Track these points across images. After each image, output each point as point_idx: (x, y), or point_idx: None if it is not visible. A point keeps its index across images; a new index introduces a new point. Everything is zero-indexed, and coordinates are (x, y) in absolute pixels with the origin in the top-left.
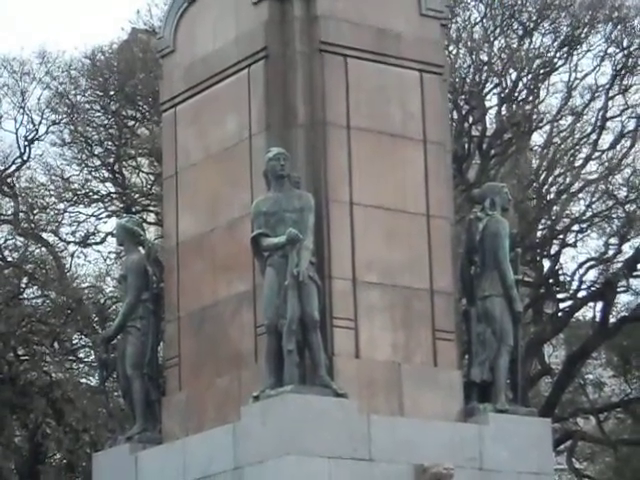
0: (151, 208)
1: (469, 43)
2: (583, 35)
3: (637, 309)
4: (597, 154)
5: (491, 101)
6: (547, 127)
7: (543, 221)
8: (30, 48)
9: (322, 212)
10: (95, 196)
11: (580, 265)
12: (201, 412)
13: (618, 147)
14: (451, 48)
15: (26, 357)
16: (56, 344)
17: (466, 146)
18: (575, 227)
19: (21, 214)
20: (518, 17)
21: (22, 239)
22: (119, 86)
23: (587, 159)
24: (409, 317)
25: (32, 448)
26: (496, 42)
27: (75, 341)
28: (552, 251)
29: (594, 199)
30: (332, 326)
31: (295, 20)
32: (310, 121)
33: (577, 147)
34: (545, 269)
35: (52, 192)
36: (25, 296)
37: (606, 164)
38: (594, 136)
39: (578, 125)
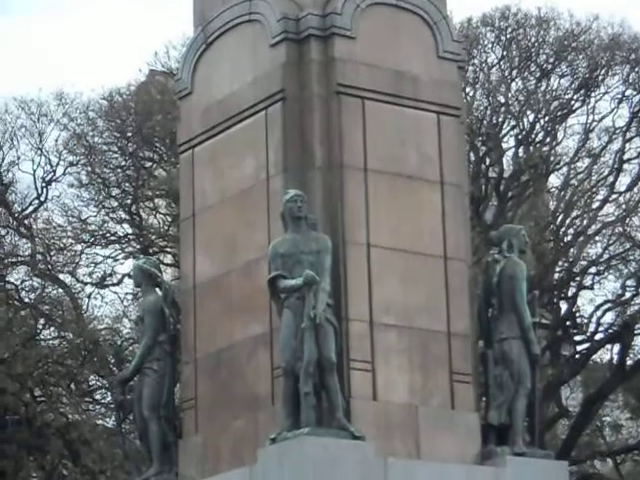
0: (168, 249)
1: (486, 85)
2: (601, 77)
3: None
4: (614, 196)
5: (508, 143)
6: (564, 169)
7: (560, 263)
8: (48, 90)
9: (339, 254)
10: (112, 237)
11: (597, 307)
12: (217, 455)
13: (635, 189)
14: (468, 90)
15: (43, 398)
16: (73, 385)
17: (483, 188)
18: (592, 269)
19: (38, 255)
20: (535, 59)
21: (39, 280)
22: (136, 127)
23: (604, 201)
24: (426, 359)
25: None
26: (513, 84)
27: (92, 382)
28: (569, 293)
29: (611, 241)
30: (349, 368)
31: (312, 62)
32: (327, 163)
33: (594, 189)
34: (562, 311)
35: (69, 233)
36: (42, 337)
37: (623, 206)
38: (611, 178)
39: (595, 167)
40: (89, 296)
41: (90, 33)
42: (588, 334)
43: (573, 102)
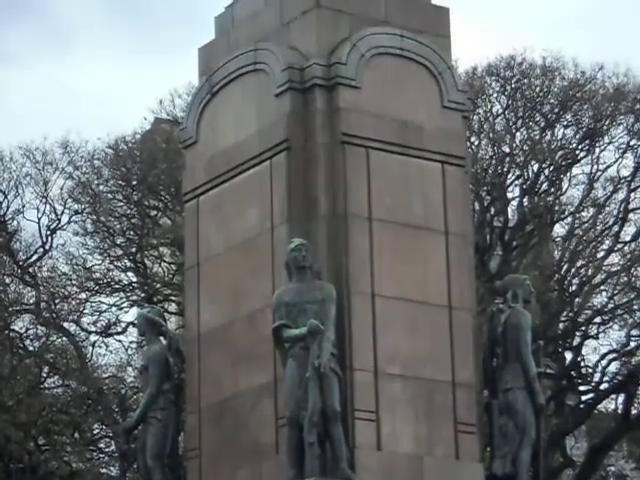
0: (173, 298)
1: (491, 135)
2: (605, 127)
3: None
4: (619, 246)
5: (513, 192)
6: (569, 219)
7: (565, 313)
8: (53, 138)
9: (344, 303)
10: (117, 286)
11: (602, 357)
12: None
13: None
14: (473, 139)
15: (47, 447)
16: (77, 434)
17: (488, 237)
18: (597, 319)
19: (43, 304)
20: (540, 109)
21: (43, 328)
22: (142, 176)
23: (609, 251)
24: (431, 409)
25: None
26: (518, 134)
27: (96, 431)
28: (574, 343)
29: (616, 291)
30: (354, 418)
31: (317, 112)
32: (332, 212)
33: (599, 239)
34: (567, 361)
35: (74, 282)
36: (46, 386)
37: (628, 256)
38: (616, 228)
39: (600, 217)
40: (93, 344)
41: (95, 81)
42: (593, 384)
43: (578, 152)
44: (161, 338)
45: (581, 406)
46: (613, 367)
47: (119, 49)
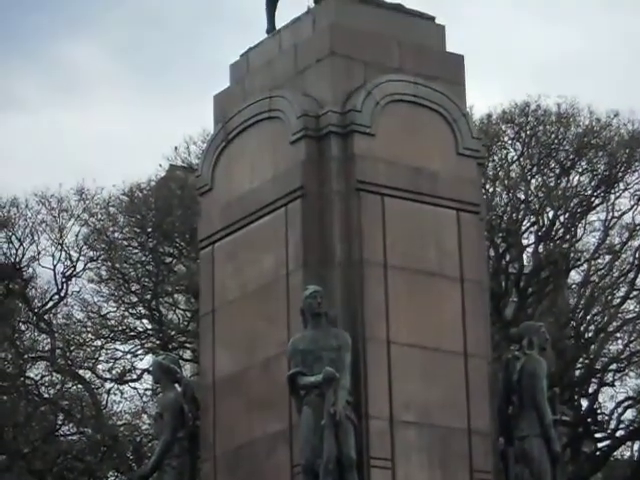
0: (188, 345)
1: (506, 181)
2: (620, 174)
3: None
4: (635, 293)
5: (528, 239)
6: (585, 266)
7: (581, 360)
8: (68, 185)
9: (359, 350)
10: (132, 333)
11: (618, 404)
12: None
13: None
14: (488, 186)
15: None
16: None
17: (503, 284)
18: (613, 366)
19: (58, 351)
20: (555, 156)
21: (58, 376)
22: (157, 223)
23: (625, 298)
24: (447, 457)
25: None
26: (533, 180)
27: (111, 479)
28: (590, 390)
29: (632, 338)
30: (369, 466)
31: (332, 159)
32: (347, 259)
33: (615, 286)
34: (583, 408)
35: (89, 329)
36: (61, 433)
37: None
38: (632, 275)
39: (616, 264)
40: (108, 392)
41: (111, 128)
42: (609, 431)
43: (593, 199)
44: (176, 385)
45: (597, 453)
46: (629, 414)
47: (130, 96)
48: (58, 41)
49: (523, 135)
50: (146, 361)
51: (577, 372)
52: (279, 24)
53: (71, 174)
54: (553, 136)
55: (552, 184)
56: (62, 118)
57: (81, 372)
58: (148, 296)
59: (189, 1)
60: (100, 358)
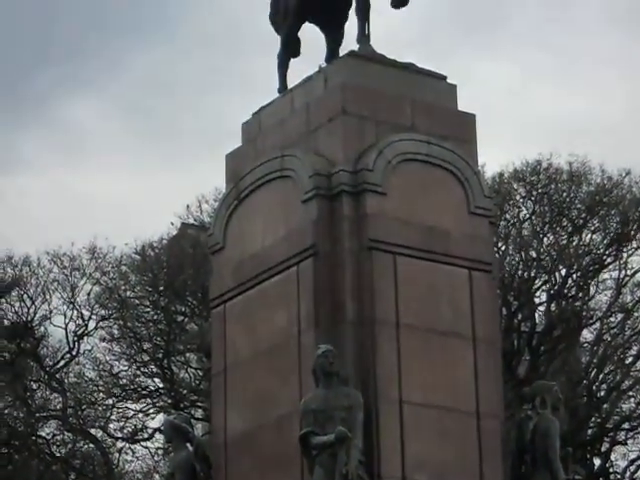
0: (199, 404)
1: (518, 240)
2: (632, 232)
3: None
4: None
5: (540, 298)
6: (597, 324)
7: (593, 419)
8: (80, 243)
9: (371, 410)
10: (144, 392)
11: (631, 463)
12: None
13: None
14: (500, 245)
15: None
16: None
17: (516, 342)
18: (626, 425)
19: (70, 409)
20: (567, 214)
21: (70, 435)
22: (168, 282)
23: (637, 356)
24: None
25: None
26: (545, 239)
27: None
28: (603, 449)
29: None
30: None
31: (344, 218)
32: (359, 318)
33: (627, 344)
34: (596, 467)
35: (101, 388)
36: None
37: None
38: None
39: (628, 322)
40: (120, 451)
41: (122, 187)
42: None
43: (605, 257)
44: (188, 445)
45: None
46: None
47: (142, 155)
48: (66, 102)
49: (535, 193)
50: (158, 420)
51: (590, 431)
52: (291, 83)
53: (83, 232)
54: (565, 194)
55: (564, 242)
56: (72, 178)
57: (93, 431)
58: (160, 355)
59: (196, 62)
60: (112, 417)
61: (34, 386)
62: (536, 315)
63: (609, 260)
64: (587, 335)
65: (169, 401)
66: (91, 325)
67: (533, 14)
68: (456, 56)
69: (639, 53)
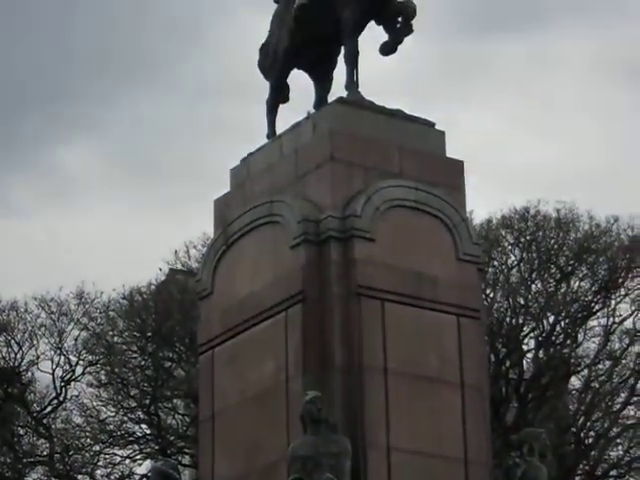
0: (187, 450)
1: (506, 286)
2: (621, 279)
3: None
4: (635, 399)
5: (528, 345)
6: (585, 371)
7: (581, 466)
8: (68, 288)
9: (359, 457)
10: (131, 438)
11: None
12: None
13: None
14: (488, 291)
15: None
16: None
17: (504, 389)
18: (614, 472)
19: (57, 455)
20: (555, 261)
21: None
22: (156, 327)
23: (625, 404)
24: None
25: None
26: (533, 285)
27: None
28: None
29: (632, 444)
30: None
31: (332, 264)
32: (347, 364)
33: (615, 392)
34: None
35: (88, 433)
36: None
37: None
38: (632, 381)
39: (616, 370)
40: None
41: (110, 232)
42: None
43: (593, 304)
44: None
45: None
46: None
47: (128, 200)
48: (54, 145)
49: (523, 240)
50: (145, 466)
51: (578, 478)
52: (280, 129)
53: (71, 277)
54: (553, 241)
55: (552, 289)
56: (60, 222)
57: (80, 477)
58: (147, 401)
59: (184, 106)
60: (99, 463)
61: (21, 431)
62: (524, 362)
63: (597, 307)
64: (575, 382)
65: (156, 447)
66: (78, 371)
67: (516, 63)
68: (442, 104)
69: (619, 101)
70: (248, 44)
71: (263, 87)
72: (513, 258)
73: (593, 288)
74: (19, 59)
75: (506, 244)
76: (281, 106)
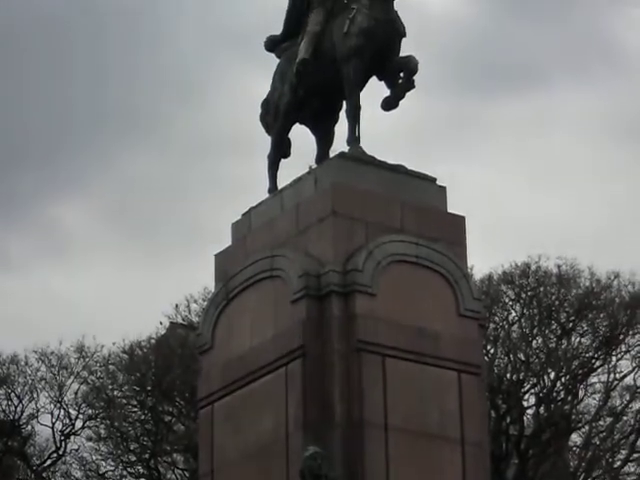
0: None
1: (507, 342)
2: (621, 335)
3: None
4: (636, 455)
5: (529, 401)
6: (586, 428)
7: None
8: (68, 342)
9: None
10: None
11: None
12: None
13: None
14: (489, 347)
15: None
16: None
17: (504, 446)
18: None
19: None
20: (556, 317)
21: None
22: (156, 381)
23: (626, 460)
24: None
25: None
26: (534, 341)
27: None
28: None
29: None
30: None
31: (333, 319)
32: (347, 420)
33: (616, 448)
34: None
35: None
36: None
37: None
38: (633, 437)
39: (617, 426)
40: None
41: (111, 287)
42: None
43: (594, 360)
44: None
45: None
46: None
47: (129, 255)
48: (51, 202)
49: (524, 296)
50: None
51: None
52: (281, 183)
53: (71, 331)
54: (554, 297)
55: (553, 345)
56: (60, 277)
57: None
58: (147, 455)
59: (181, 164)
60: None
61: None
62: (525, 418)
63: (598, 363)
64: (576, 439)
65: None
66: (78, 424)
67: (517, 120)
68: (443, 160)
69: (620, 158)
70: (242, 100)
71: (259, 142)
72: (514, 314)
73: (594, 344)
74: (17, 119)
75: (507, 300)
76: (282, 160)
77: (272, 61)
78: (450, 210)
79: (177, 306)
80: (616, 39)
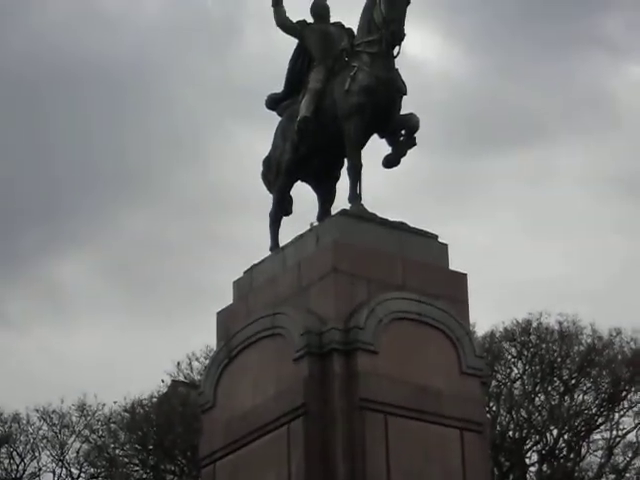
0: None
1: (509, 400)
2: (624, 392)
3: None
4: None
5: (531, 458)
6: None
7: None
8: (70, 401)
9: None
10: None
11: None
12: None
13: None
14: (491, 404)
15: None
16: None
17: None
18: None
19: None
20: (558, 373)
21: None
22: (158, 440)
23: None
24: None
25: None
26: (536, 398)
27: None
28: None
29: None
30: None
31: (335, 376)
32: (350, 478)
33: None
34: None
35: None
36: None
37: None
38: None
39: None
40: None
41: (112, 345)
42: None
43: (597, 417)
44: None
45: None
46: None
47: (130, 312)
48: (51, 260)
49: (526, 353)
50: None
51: None
52: (283, 241)
53: (73, 390)
54: (556, 354)
55: (555, 402)
56: (60, 335)
57: None
58: None
59: (181, 219)
60: None
61: None
62: (527, 476)
63: (600, 420)
64: None
65: None
66: None
67: (513, 178)
68: (443, 217)
69: (620, 214)
70: (241, 158)
71: (259, 199)
72: (516, 371)
73: (596, 401)
74: (17, 178)
75: (509, 357)
76: (284, 219)
77: (273, 119)
78: (452, 267)
79: (179, 364)
80: (616, 95)
